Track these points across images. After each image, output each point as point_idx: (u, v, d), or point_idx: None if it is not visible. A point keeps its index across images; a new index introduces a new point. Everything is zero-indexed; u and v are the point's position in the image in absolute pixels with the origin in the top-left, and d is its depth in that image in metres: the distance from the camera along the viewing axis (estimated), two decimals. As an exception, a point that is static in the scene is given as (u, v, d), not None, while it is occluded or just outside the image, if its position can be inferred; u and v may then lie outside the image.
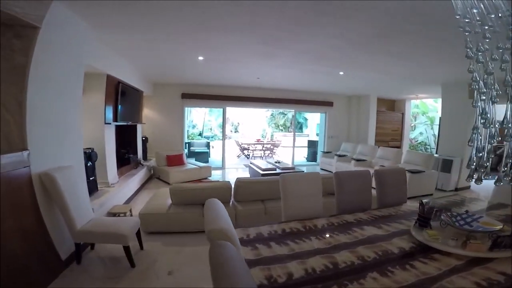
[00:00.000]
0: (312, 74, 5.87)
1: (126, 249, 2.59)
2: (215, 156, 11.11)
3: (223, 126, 8.45)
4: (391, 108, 10.35)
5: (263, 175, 6.12)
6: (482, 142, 1.73)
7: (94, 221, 2.72)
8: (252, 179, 3.72)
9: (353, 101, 9.49)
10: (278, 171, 6.37)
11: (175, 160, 6.77)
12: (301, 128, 19.35)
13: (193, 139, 14.13)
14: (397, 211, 2.44)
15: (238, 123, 20.69)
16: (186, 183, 4.54)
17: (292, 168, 6.63)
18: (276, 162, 7.21)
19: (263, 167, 6.55)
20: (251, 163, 7.39)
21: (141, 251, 2.96)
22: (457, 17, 1.66)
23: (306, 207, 2.35)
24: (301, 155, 11.18)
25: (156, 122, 7.67)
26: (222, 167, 8.37)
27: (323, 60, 4.65)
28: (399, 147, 9.97)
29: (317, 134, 13.84)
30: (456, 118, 6.26)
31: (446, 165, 6.09)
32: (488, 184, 6.21)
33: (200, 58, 4.68)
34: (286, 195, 2.29)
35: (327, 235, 1.85)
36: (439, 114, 11.31)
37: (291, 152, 9.54)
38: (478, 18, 1.58)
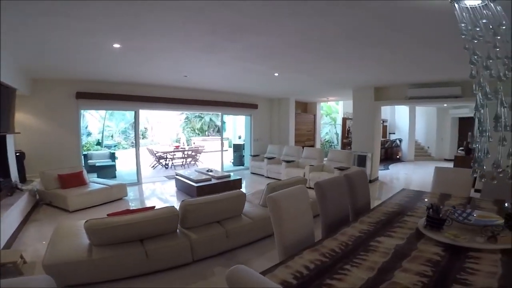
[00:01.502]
0: (248, 74, 5.51)
1: None
2: (123, 169, 9.38)
3: (136, 132, 7.12)
4: (304, 110, 11.16)
5: (198, 188, 5.36)
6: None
7: None
8: (204, 199, 3.02)
9: (274, 104, 9.71)
10: (214, 181, 5.72)
11: (73, 180, 5.17)
12: (219, 131, 18.86)
13: (89, 149, 11.63)
14: (378, 214, 2.28)
15: (146, 128, 18.52)
16: (106, 218, 3.38)
17: (228, 176, 6.11)
18: (208, 170, 6.52)
19: (196, 178, 5.77)
20: (177, 175, 6.45)
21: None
22: (462, 25, 1.57)
23: (301, 229, 1.92)
24: (227, 160, 10.72)
25: (37, 131, 5.62)
26: (138, 182, 7.04)
27: (267, 58, 4.33)
28: (313, 146, 10.84)
29: (239, 137, 13.71)
30: (365, 118, 7.13)
31: (361, 160, 6.82)
32: (391, 172, 7.23)
33: (116, 45, 3.60)
34: (281, 220, 1.80)
35: (357, 260, 1.46)
36: (340, 115, 13.05)
37: (216, 158, 8.99)
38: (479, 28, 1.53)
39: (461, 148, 8.24)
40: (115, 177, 8.08)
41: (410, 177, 8.15)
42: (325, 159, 7.07)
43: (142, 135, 18.16)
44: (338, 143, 12.95)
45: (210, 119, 18.26)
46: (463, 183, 2.97)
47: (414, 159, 11.73)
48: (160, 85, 6.83)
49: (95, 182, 5.59)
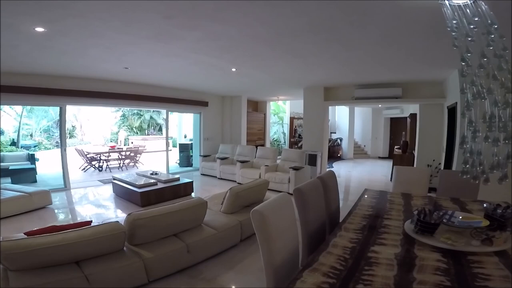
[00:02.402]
0: (202, 68, 5.03)
1: None
2: (45, 173, 7.87)
3: (62, 131, 5.95)
4: (255, 109, 11.06)
5: (142, 194, 4.68)
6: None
7: None
8: (157, 212, 2.50)
9: (226, 102, 9.33)
10: (161, 185, 5.10)
11: None
12: (160, 129, 17.53)
13: (1, 151, 9.46)
14: (357, 219, 2.16)
15: (74, 126, 16.15)
16: (23, 240, 2.55)
17: (177, 179, 5.53)
18: (152, 173, 5.81)
19: (139, 182, 5.05)
20: (115, 179, 5.59)
21: None
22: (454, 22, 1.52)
23: (289, 245, 1.66)
24: (172, 161, 9.90)
25: None
26: (66, 188, 5.91)
27: (226, 51, 3.95)
28: (263, 145, 10.82)
29: (185, 136, 12.88)
30: (315, 117, 7.32)
31: (312, 159, 6.98)
32: (336, 170, 7.56)
33: (39, 29, 2.83)
34: (270, 238, 1.50)
35: (366, 276, 1.25)
36: (288, 114, 13.36)
37: (159, 158, 8.19)
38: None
39: (397, 146, 9.13)
40: (35, 181, 6.74)
41: (352, 174, 8.72)
42: (278, 157, 7.03)
43: (69, 134, 15.80)
44: (285, 142, 13.24)
45: (151, 117, 16.87)
46: (422, 182, 3.12)
47: (353, 157, 12.70)
48: (92, 78, 5.82)
49: (7, 189, 4.45)
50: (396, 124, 12.52)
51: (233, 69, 5.14)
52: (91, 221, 2.51)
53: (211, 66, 4.83)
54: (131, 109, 16.35)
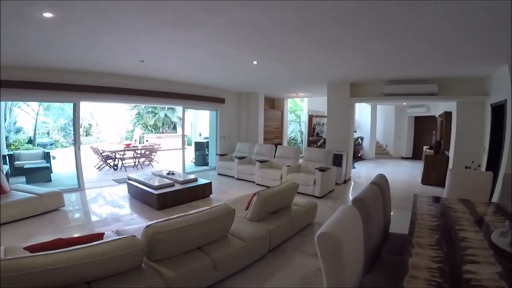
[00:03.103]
0: (221, 61, 4.64)
1: None
2: (61, 171, 7.76)
3: (76, 128, 5.73)
4: (272, 106, 10.64)
5: (159, 196, 4.37)
6: None
7: None
8: (180, 223, 2.13)
9: (242, 99, 8.96)
10: (178, 186, 4.78)
11: None
12: (174, 128, 17.40)
13: (19, 148, 9.48)
14: (425, 231, 1.73)
15: (90, 124, 16.23)
16: (22, 259, 2.23)
17: (195, 179, 5.20)
18: (169, 173, 5.51)
19: (155, 183, 4.75)
20: (130, 179, 5.32)
21: None
22: None
23: (357, 268, 1.25)
24: (187, 159, 9.63)
25: None
26: (80, 188, 5.70)
27: (249, 41, 3.57)
28: (281, 144, 10.39)
29: (200, 135, 12.63)
30: (340, 115, 6.84)
31: (337, 159, 6.49)
32: (359, 171, 7.05)
33: (47, 15, 2.54)
34: (342, 266, 1.09)
35: None
36: (305, 112, 12.85)
37: (174, 157, 7.92)
38: None
39: (427, 146, 8.50)
40: (50, 181, 6.59)
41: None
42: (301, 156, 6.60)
43: (86, 131, 15.90)
44: (303, 141, 12.75)
45: (165, 115, 16.74)
46: (482, 187, 2.64)
47: (375, 157, 12.07)
48: (108, 73, 5.57)
49: (19, 190, 4.24)
50: (421, 123, 11.83)
51: (255, 62, 4.74)
52: (103, 234, 2.17)
53: (231, 58, 4.45)
54: (146, 107, 16.29)
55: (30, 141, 10.28)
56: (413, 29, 2.93)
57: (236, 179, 6.93)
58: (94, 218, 4.14)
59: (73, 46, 3.64)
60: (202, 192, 5.07)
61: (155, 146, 9.73)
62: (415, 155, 11.84)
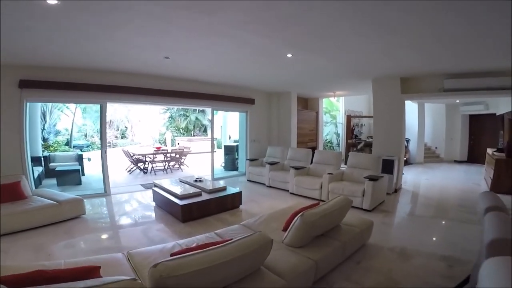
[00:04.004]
0: (250, 55, 4.07)
1: None
2: (93, 174, 7.72)
3: (102, 131, 5.50)
4: (305, 106, 9.86)
5: (184, 208, 3.89)
6: None
7: None
8: (198, 263, 1.54)
9: (273, 99, 8.33)
10: (205, 196, 4.27)
11: (6, 193, 3.66)
12: (205, 130, 17.29)
13: (56, 150, 9.78)
14: None
15: (126, 127, 16.68)
16: None
17: (223, 188, 4.67)
18: (196, 179, 5.05)
19: (180, 191, 4.30)
20: (156, 185, 4.94)
21: None
22: None
23: None
24: (217, 163, 9.23)
25: None
26: (105, 193, 5.46)
27: (283, 27, 2.98)
28: (315, 147, 9.57)
29: (229, 138, 12.23)
30: (389, 114, 5.92)
31: (388, 166, 5.57)
32: (410, 178, 5.97)
33: (51, 1, 2.17)
34: None
35: None
36: (342, 112, 11.87)
37: (204, 160, 7.52)
38: None
39: (496, 149, 7.18)
40: (79, 184, 6.49)
41: (434, 182, 6.96)
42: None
43: (122, 134, 16.38)
44: (339, 144, 11.77)
45: (196, 118, 16.68)
46: None
47: (423, 161, 10.72)
48: (134, 73, 5.29)
49: (41, 195, 4.00)
50: (477, 122, 10.32)
51: (289, 55, 4.10)
52: (99, 268, 1.67)
53: (261, 50, 3.85)
54: (178, 110, 16.37)
55: (67, 144, 10.61)
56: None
57: (268, 186, 6.30)
58: (112, 231, 3.74)
59: (86, 39, 3.28)
60: (231, 202, 4.52)
61: (184, 150, 9.46)
62: (472, 158, 10.32)
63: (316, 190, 5.13)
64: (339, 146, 11.79)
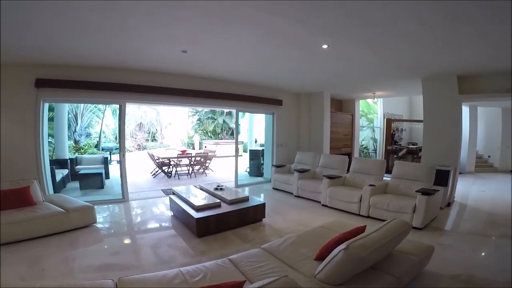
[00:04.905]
0: (279, 46, 3.49)
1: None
2: (118, 177, 7.58)
3: (121, 133, 5.21)
4: (339, 109, 9.05)
5: (199, 221, 3.39)
6: None
7: None
8: None
9: (302, 100, 7.65)
10: (225, 208, 3.74)
11: (12, 199, 3.42)
12: (232, 134, 17.00)
13: (85, 152, 9.97)
14: None
15: (156, 130, 16.92)
16: None
17: (245, 199, 4.12)
18: (217, 187, 4.56)
19: (198, 202, 3.82)
20: (173, 193, 4.53)
21: None
22: None
23: None
24: (241, 168, 8.74)
25: None
26: (123, 199, 5.17)
27: (321, 11, 2.44)
28: (350, 153, 8.70)
29: (255, 141, 11.73)
30: (442, 118, 5.00)
31: (441, 177, 4.65)
32: (461, 190, 4.64)
33: None
34: None
35: None
36: (379, 115, 10.82)
37: (231, 165, 7.06)
38: None
39: None
40: (102, 188, 6.34)
41: (496, 196, 5.77)
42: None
43: (152, 137, 16.64)
44: (376, 150, 10.72)
45: (224, 121, 16.46)
46: None
47: (474, 171, 9.33)
48: (152, 70, 4.97)
49: (52, 202, 3.72)
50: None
51: (324, 46, 3.46)
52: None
53: (291, 40, 3.27)
54: (206, 113, 16.28)
55: (96, 146, 10.81)
56: None
57: (296, 196, 5.63)
58: (118, 244, 3.33)
59: (96, 31, 2.94)
60: (253, 215, 3.94)
61: (209, 153, 9.10)
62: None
63: (354, 204, 4.39)
64: (376, 153, 10.74)
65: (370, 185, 4.30)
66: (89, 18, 2.59)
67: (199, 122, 17.02)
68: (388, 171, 5.15)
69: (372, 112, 11.15)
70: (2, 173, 3.92)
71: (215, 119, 16.61)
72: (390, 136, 9.50)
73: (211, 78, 5.64)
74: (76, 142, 10.41)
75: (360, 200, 4.30)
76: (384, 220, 3.98)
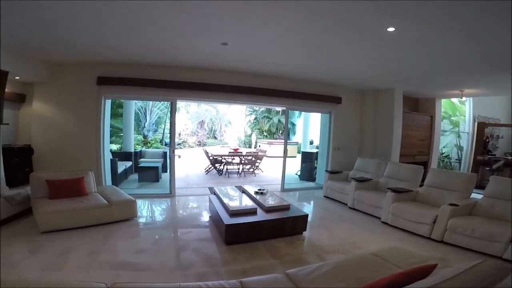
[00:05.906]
0: (332, 32, 2.87)
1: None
2: (176, 171, 7.95)
3: (172, 129, 5.30)
4: (414, 109, 7.65)
5: (229, 228, 3.06)
6: None
7: None
8: None
9: (367, 98, 6.67)
10: (260, 216, 3.34)
11: (66, 189, 3.65)
12: (288, 134, 16.48)
13: (151, 146, 10.83)
14: None
15: (217, 127, 17.59)
16: None
17: (286, 207, 3.63)
18: (258, 191, 4.19)
19: (232, 206, 3.51)
20: (214, 193, 4.32)
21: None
22: None
23: None
24: (293, 170, 8.21)
25: (52, 123, 4.60)
26: (170, 194, 5.25)
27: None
28: (427, 162, 7.27)
29: (311, 143, 10.98)
30: None
31: None
32: None
33: None
34: None
35: None
36: (468, 118, 8.84)
37: (278, 166, 6.62)
38: None
39: None
40: (157, 181, 6.66)
41: None
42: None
43: (213, 134, 17.36)
44: (460, 160, 8.79)
45: (279, 120, 16.04)
46: None
47: None
48: (195, 66, 4.91)
49: (103, 194, 3.89)
50: None
51: (390, 29, 2.70)
52: None
53: (347, 23, 2.62)
54: (262, 112, 16.16)
55: (161, 141, 11.65)
56: None
57: (350, 208, 4.84)
58: (147, 242, 3.22)
59: (129, 26, 2.86)
60: (292, 227, 3.42)
61: (259, 153, 8.83)
62: None
63: (425, 225, 3.46)
64: (460, 163, 8.80)
65: (452, 204, 3.30)
66: (133, 15, 2.52)
67: (255, 121, 17.02)
68: (477, 186, 3.96)
69: (458, 114, 9.19)
70: (67, 164, 4.37)
71: (271, 118, 16.33)
72: (482, 144, 7.61)
73: (258, 73, 5.31)
74: (144, 136, 11.42)
75: (434, 222, 3.35)
76: (463, 248, 3.02)
